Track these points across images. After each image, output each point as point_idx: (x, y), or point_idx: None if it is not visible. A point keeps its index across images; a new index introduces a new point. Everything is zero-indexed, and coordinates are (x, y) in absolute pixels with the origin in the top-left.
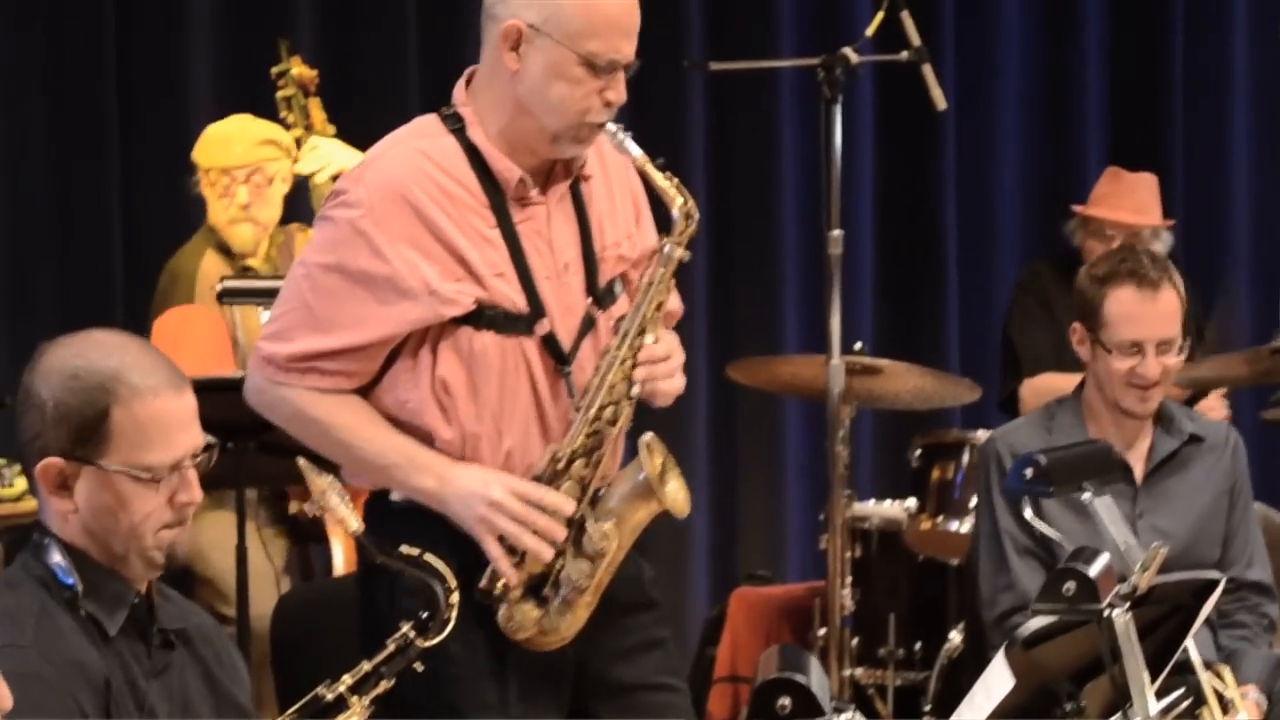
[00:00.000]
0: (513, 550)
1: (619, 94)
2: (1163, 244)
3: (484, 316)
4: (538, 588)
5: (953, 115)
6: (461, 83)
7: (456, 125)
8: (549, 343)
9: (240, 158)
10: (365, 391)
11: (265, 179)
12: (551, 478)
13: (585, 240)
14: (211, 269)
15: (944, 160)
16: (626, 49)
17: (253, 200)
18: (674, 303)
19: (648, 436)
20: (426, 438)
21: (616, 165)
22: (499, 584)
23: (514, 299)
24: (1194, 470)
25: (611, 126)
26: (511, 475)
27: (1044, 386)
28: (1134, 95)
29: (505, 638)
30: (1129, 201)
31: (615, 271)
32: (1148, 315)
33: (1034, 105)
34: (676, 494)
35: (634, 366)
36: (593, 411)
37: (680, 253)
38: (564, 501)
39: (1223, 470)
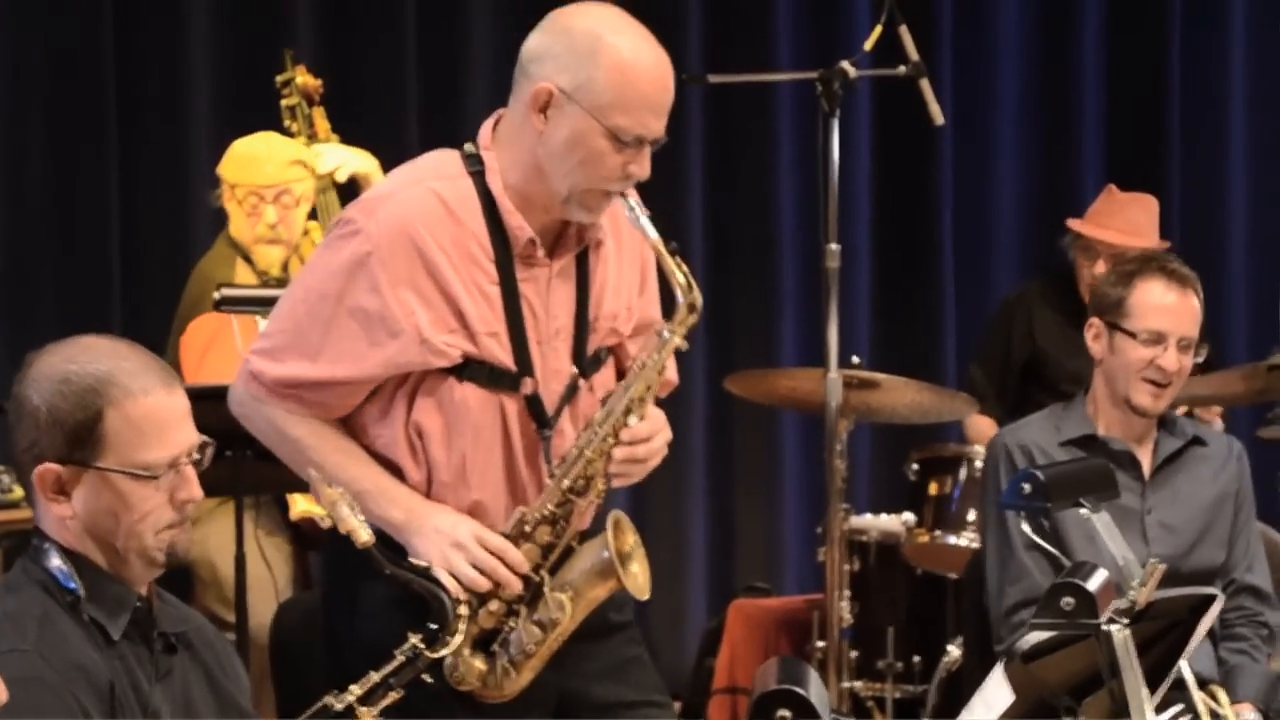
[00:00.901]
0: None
1: (642, 169)
2: None
3: (468, 369)
4: (486, 643)
5: (950, 130)
6: (489, 124)
7: (476, 168)
8: (533, 404)
9: (271, 177)
10: (344, 421)
11: (293, 200)
12: (517, 538)
13: (581, 308)
14: (244, 280)
15: (941, 174)
16: (655, 126)
17: (280, 220)
18: (671, 373)
19: (616, 514)
20: (397, 474)
21: (630, 232)
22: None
23: (502, 358)
24: (1200, 470)
25: (631, 201)
26: (478, 523)
27: (973, 427)
28: (1131, 111)
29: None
30: (1117, 220)
31: (605, 342)
32: (1175, 309)
33: (1031, 120)
34: (638, 577)
35: (615, 444)
36: (566, 482)
37: (678, 341)
38: (521, 561)
39: (1229, 474)
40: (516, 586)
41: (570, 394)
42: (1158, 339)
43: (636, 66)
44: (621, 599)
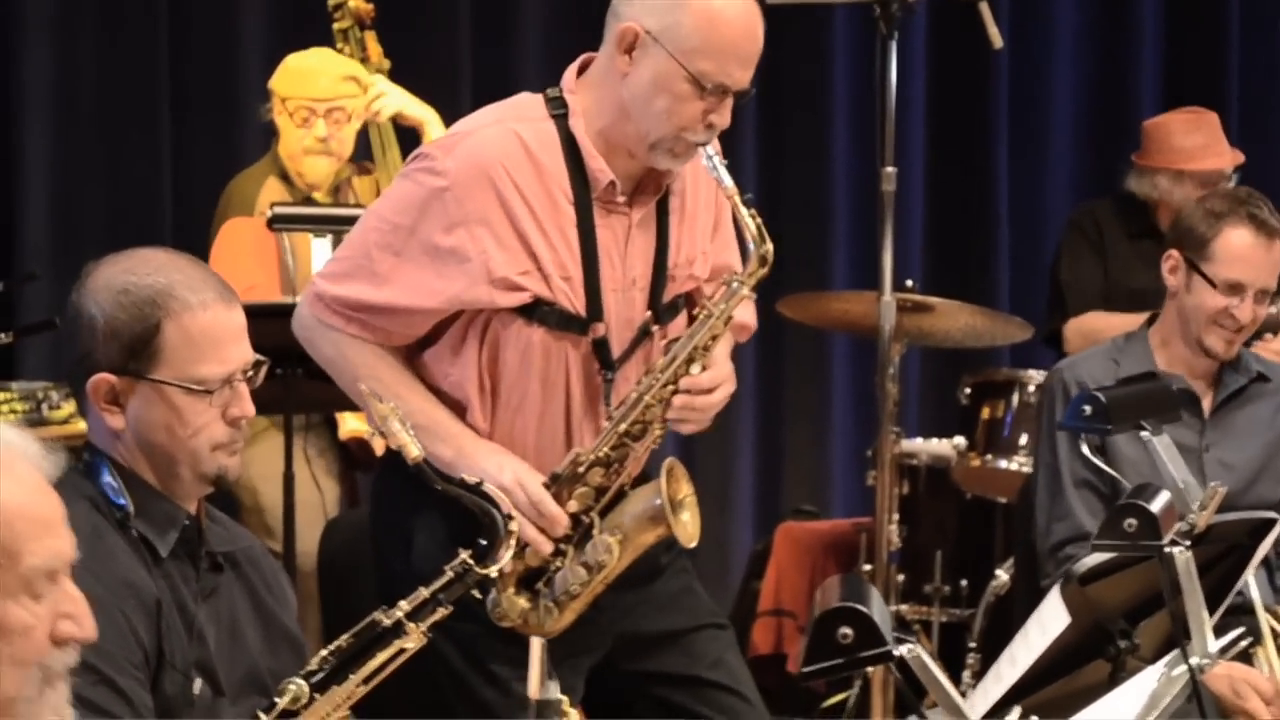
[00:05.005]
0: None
1: (723, 119)
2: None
3: (538, 311)
4: (531, 580)
5: (1007, 53)
6: (573, 69)
7: (559, 111)
8: (599, 347)
9: (325, 91)
10: (413, 354)
11: (345, 115)
12: (570, 479)
13: (660, 257)
14: (273, 194)
15: (997, 98)
16: (739, 75)
17: (331, 134)
18: (749, 316)
19: (671, 461)
20: (460, 413)
21: (704, 177)
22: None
23: (574, 303)
24: (1261, 407)
25: (710, 149)
26: (526, 466)
27: (1088, 326)
28: (1190, 33)
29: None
30: (1189, 145)
31: (683, 289)
32: (1259, 261)
33: (1089, 43)
34: (688, 525)
35: (675, 393)
36: (623, 426)
37: (746, 292)
38: (561, 516)
39: None
40: (559, 532)
41: (641, 338)
42: (1236, 289)
43: (726, 14)
44: (669, 539)
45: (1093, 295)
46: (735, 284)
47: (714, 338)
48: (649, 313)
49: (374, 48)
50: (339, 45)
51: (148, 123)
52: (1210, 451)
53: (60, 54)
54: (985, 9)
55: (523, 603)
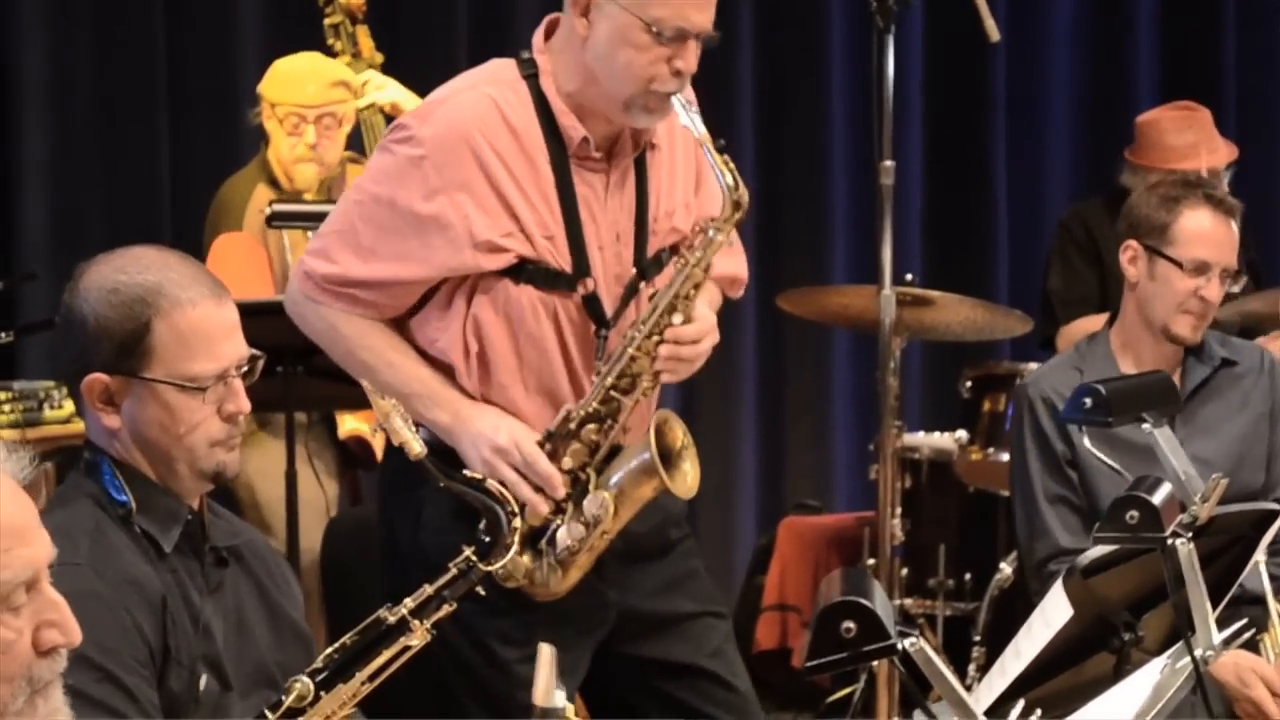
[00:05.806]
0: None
1: (688, 64)
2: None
3: (525, 271)
4: (534, 540)
5: (1004, 46)
6: (540, 31)
7: (530, 71)
8: (591, 303)
9: (313, 98)
10: (399, 323)
11: (335, 121)
12: (563, 436)
13: (640, 211)
14: (261, 201)
15: (995, 91)
16: (696, 18)
17: (320, 141)
18: (739, 268)
19: (663, 413)
20: (450, 379)
21: (684, 133)
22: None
23: (559, 261)
24: (1231, 395)
25: (681, 99)
26: (522, 425)
27: (1080, 331)
28: (1186, 26)
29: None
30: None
31: (666, 242)
32: (1222, 239)
33: (1086, 36)
34: (686, 476)
35: (659, 343)
36: (610, 379)
37: (722, 238)
38: (555, 476)
39: (1261, 392)
40: (558, 492)
41: (630, 295)
42: (1203, 269)
43: None
44: (680, 514)
45: (1083, 301)
46: (711, 231)
47: (695, 286)
48: (634, 269)
49: (365, 42)
50: (330, 41)
51: (146, 121)
52: (1184, 447)
53: (57, 53)
54: (982, 2)
55: (527, 561)
